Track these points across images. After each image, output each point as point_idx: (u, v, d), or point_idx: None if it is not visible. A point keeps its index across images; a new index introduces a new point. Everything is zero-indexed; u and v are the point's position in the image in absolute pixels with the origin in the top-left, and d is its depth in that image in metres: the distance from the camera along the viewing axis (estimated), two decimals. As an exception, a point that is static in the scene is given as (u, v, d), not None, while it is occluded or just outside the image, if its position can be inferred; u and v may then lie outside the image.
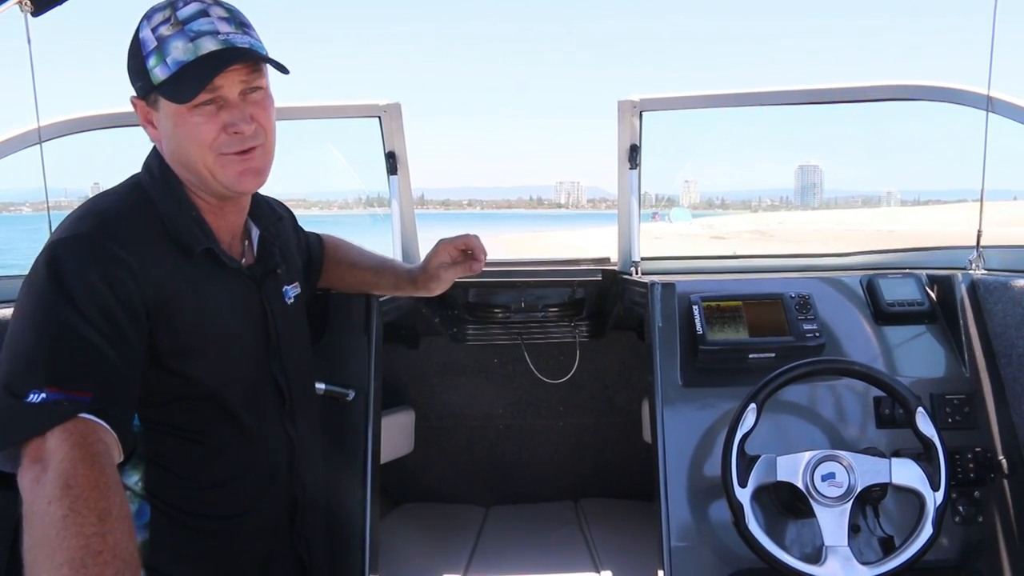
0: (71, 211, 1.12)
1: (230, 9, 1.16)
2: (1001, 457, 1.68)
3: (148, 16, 1.13)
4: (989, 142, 1.85)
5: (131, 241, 1.07)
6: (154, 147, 1.21)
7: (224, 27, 1.12)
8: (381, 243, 2.05)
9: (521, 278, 2.37)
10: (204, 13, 1.12)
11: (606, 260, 2.39)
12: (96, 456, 0.92)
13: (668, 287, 1.82)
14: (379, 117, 2.19)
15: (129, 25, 1.19)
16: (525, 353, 2.62)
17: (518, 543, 2.45)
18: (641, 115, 2.19)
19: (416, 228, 2.35)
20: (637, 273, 2.23)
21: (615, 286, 2.34)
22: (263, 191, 1.33)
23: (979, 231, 1.89)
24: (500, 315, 2.51)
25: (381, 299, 1.73)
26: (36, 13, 1.66)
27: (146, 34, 1.12)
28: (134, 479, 1.11)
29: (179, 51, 1.10)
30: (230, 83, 1.12)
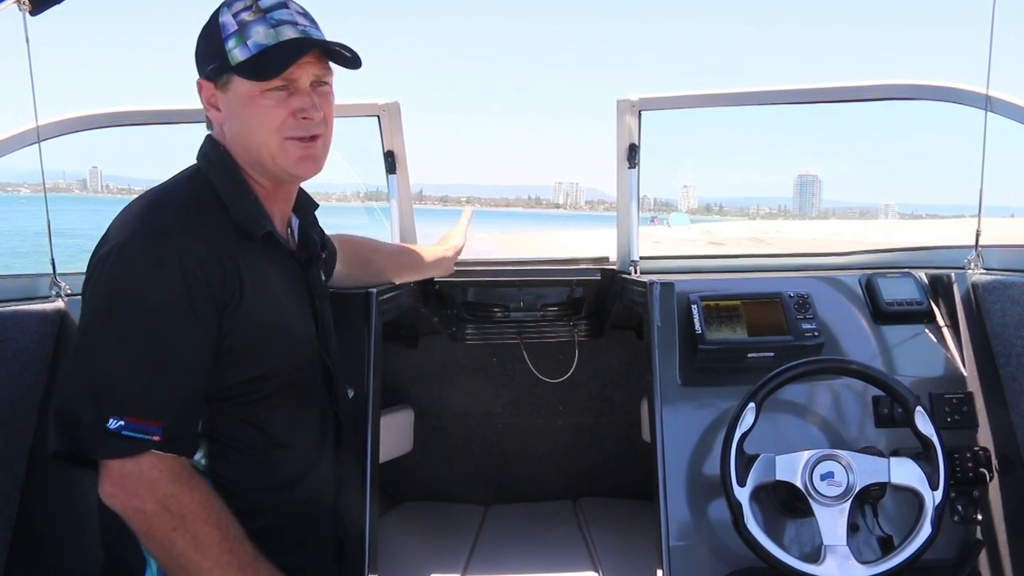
0: (133, 203, 1.15)
1: (303, 8, 1.22)
2: (999, 456, 1.68)
3: (228, 3, 1.18)
4: (988, 151, 1.84)
5: (202, 234, 1.10)
6: (208, 136, 1.24)
7: (301, 20, 1.18)
8: (379, 237, 2.05)
9: (520, 277, 2.37)
10: (284, 5, 1.17)
11: (605, 259, 2.39)
12: (179, 476, 1.04)
13: (667, 286, 1.82)
14: (378, 116, 2.19)
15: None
16: (524, 352, 2.62)
17: (517, 542, 2.45)
18: (640, 114, 2.19)
19: (415, 227, 2.35)
20: (636, 272, 2.23)
21: (614, 285, 2.34)
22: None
23: (978, 231, 1.89)
24: (499, 314, 2.51)
25: (380, 298, 1.73)
26: (34, 12, 1.66)
27: (226, 19, 1.16)
28: (196, 456, 1.15)
29: (260, 35, 1.14)
30: (304, 73, 1.17)
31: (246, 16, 1.15)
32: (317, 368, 1.29)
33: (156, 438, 1.02)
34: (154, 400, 1.03)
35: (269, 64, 1.14)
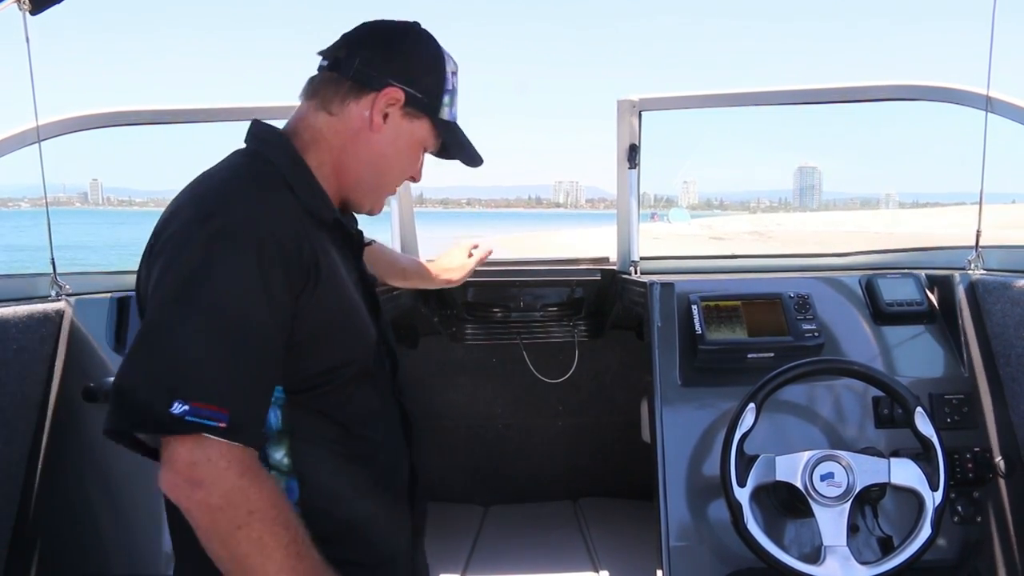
0: (199, 180, 1.09)
1: None
2: (1000, 457, 1.68)
3: (448, 57, 1.21)
4: (988, 143, 1.85)
5: (279, 214, 1.04)
6: (257, 121, 1.18)
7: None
8: (378, 238, 2.06)
9: (520, 278, 2.37)
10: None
11: (605, 260, 2.39)
12: (247, 473, 0.96)
13: (667, 287, 1.82)
14: None
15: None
16: (524, 353, 2.62)
17: (517, 543, 2.45)
18: (640, 115, 2.19)
19: (415, 230, 2.35)
20: (636, 273, 2.23)
21: (614, 286, 2.34)
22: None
23: (978, 231, 1.89)
24: (499, 315, 2.51)
25: (380, 298, 1.74)
26: (34, 12, 1.66)
27: (448, 73, 1.20)
28: (279, 455, 1.09)
29: (455, 109, 1.23)
30: None
31: (455, 83, 1.22)
32: (382, 356, 1.25)
33: (222, 425, 0.93)
34: (221, 386, 0.95)
35: (461, 143, 1.24)
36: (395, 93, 1.14)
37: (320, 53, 1.19)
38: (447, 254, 1.95)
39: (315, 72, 1.20)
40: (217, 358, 0.96)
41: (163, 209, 1.13)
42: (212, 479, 0.93)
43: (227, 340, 0.96)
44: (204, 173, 1.12)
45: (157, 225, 1.08)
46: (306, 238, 1.05)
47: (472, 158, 1.28)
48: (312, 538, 1.03)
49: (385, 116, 1.15)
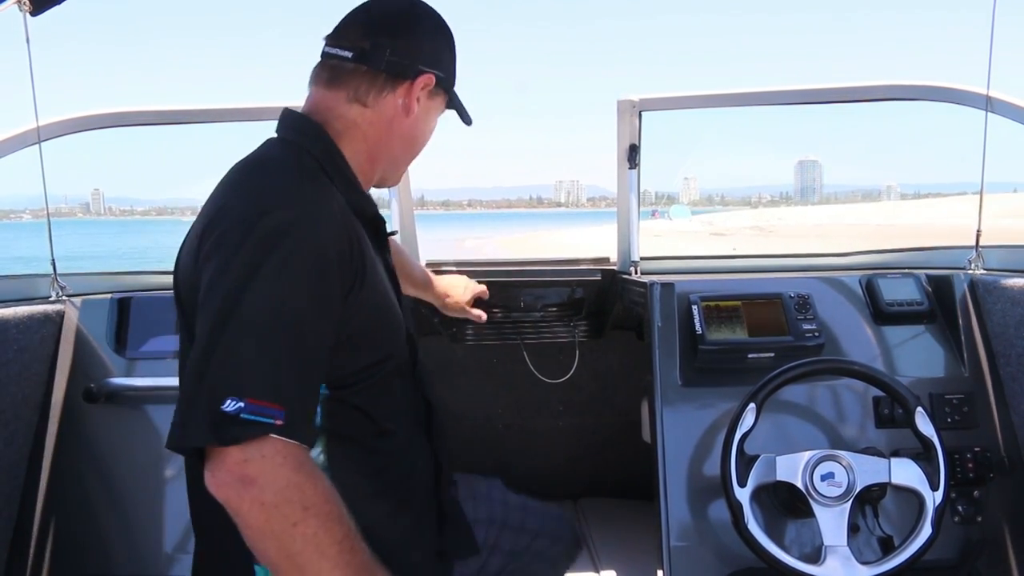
0: (242, 172, 1.08)
1: None
2: (1001, 456, 1.68)
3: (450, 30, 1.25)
4: (989, 134, 1.85)
5: (328, 209, 1.03)
6: (288, 109, 1.18)
7: None
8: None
9: (520, 278, 2.36)
10: None
11: (605, 260, 2.39)
12: (301, 469, 0.93)
13: (667, 287, 1.82)
14: None
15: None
16: (524, 353, 2.61)
17: (517, 543, 2.45)
18: (640, 115, 2.19)
19: (416, 231, 2.35)
20: (636, 273, 2.23)
21: (614, 286, 2.34)
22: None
23: (978, 231, 1.89)
24: (499, 315, 2.51)
25: None
26: (35, 12, 1.66)
27: (453, 47, 1.24)
28: (315, 452, 1.08)
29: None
30: None
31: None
32: (410, 350, 1.25)
33: (278, 422, 0.91)
34: (275, 382, 0.93)
35: (460, 104, 1.27)
36: (427, 79, 1.17)
37: (332, 42, 1.16)
38: (455, 280, 1.99)
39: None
40: (272, 357, 0.94)
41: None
42: (266, 476, 0.90)
43: (282, 339, 0.95)
44: (245, 165, 1.10)
45: (201, 222, 1.06)
46: (353, 236, 1.05)
47: (467, 117, 1.32)
48: None
49: (417, 100, 1.18)
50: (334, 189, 1.09)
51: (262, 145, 1.14)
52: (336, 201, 1.06)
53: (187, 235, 1.10)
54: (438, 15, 1.22)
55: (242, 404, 0.90)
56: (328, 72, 1.16)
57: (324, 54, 1.17)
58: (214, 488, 0.92)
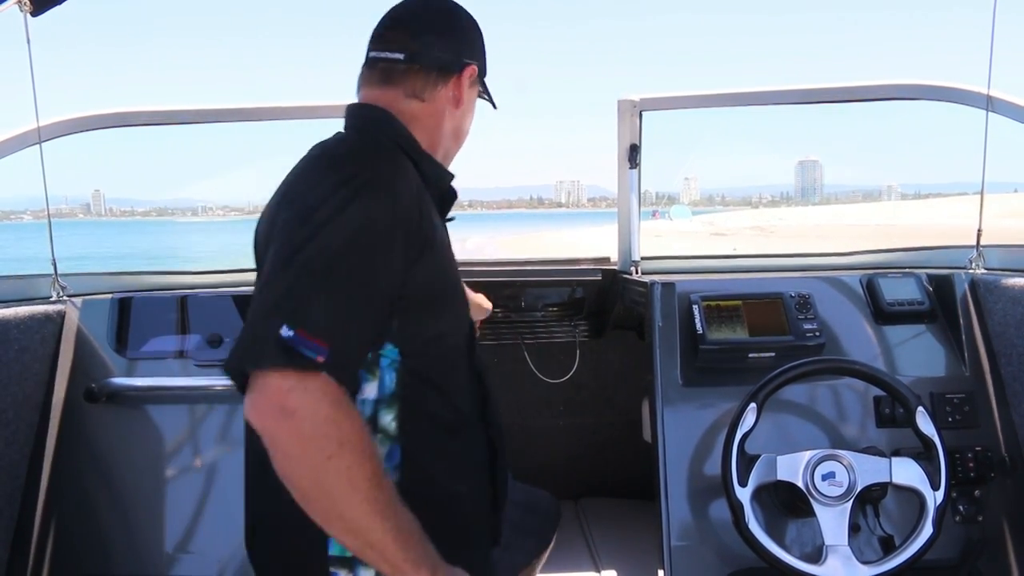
0: (327, 146, 1.15)
1: None
2: (1002, 456, 1.68)
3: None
4: (990, 134, 1.84)
5: (408, 177, 1.11)
6: (356, 105, 1.26)
7: None
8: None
9: (521, 278, 2.37)
10: None
11: (606, 260, 2.39)
12: (340, 407, 0.96)
13: (668, 286, 1.82)
14: None
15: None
16: (525, 353, 2.62)
17: (518, 542, 2.45)
18: (641, 115, 2.19)
19: None
20: (637, 272, 2.23)
21: (615, 285, 2.34)
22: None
23: (979, 230, 1.89)
24: (500, 315, 2.51)
25: None
26: (35, 13, 1.66)
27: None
28: (388, 419, 1.12)
29: None
30: None
31: None
32: (468, 332, 1.31)
33: (324, 359, 0.95)
34: (327, 322, 0.97)
35: (489, 90, 1.36)
36: (472, 70, 1.28)
37: (380, 47, 1.25)
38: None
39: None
40: (328, 296, 0.99)
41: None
42: (306, 408, 0.94)
43: (341, 284, 0.99)
44: (322, 145, 1.17)
45: (279, 192, 1.13)
46: (424, 206, 1.12)
47: (494, 103, 1.41)
48: (411, 503, 1.05)
49: (463, 90, 1.28)
50: (409, 163, 1.15)
51: (336, 135, 1.23)
52: (411, 173, 1.13)
53: (265, 208, 1.18)
54: (468, 12, 1.32)
55: (292, 334, 0.94)
56: (380, 74, 1.24)
57: (372, 59, 1.25)
58: (254, 414, 0.95)
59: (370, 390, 1.10)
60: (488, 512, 1.29)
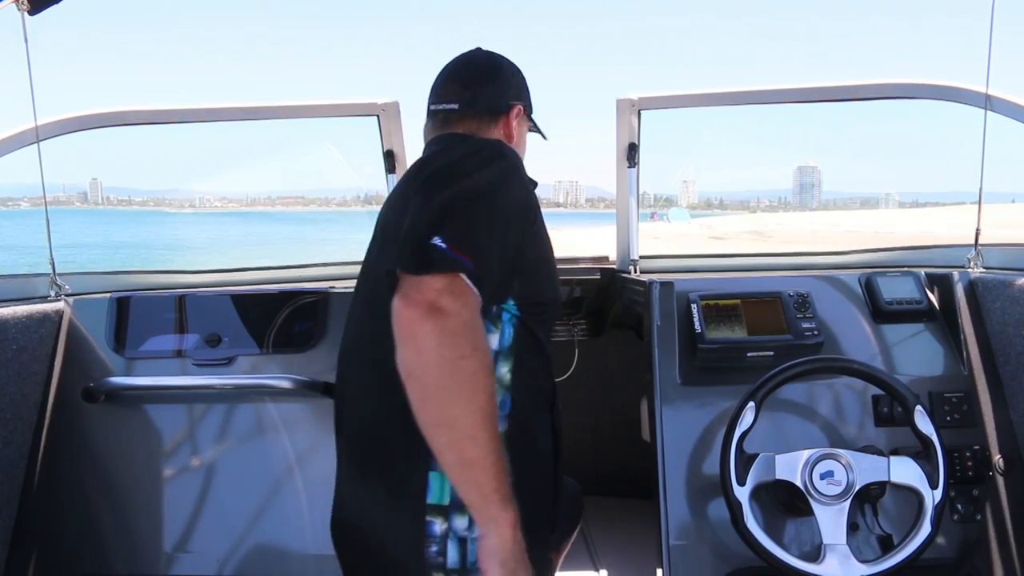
0: (465, 145, 1.30)
1: None
2: (999, 455, 1.68)
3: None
4: (988, 143, 1.85)
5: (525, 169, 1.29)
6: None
7: None
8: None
9: None
10: None
11: (604, 259, 2.39)
12: (477, 317, 1.05)
13: (667, 286, 1.82)
14: (377, 116, 2.19)
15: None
16: None
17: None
18: (640, 113, 2.19)
19: None
20: (636, 272, 2.23)
21: (614, 285, 2.34)
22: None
23: (977, 229, 1.89)
24: None
25: None
26: (33, 12, 1.66)
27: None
28: (504, 369, 1.23)
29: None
30: None
31: None
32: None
33: (470, 268, 1.04)
34: (474, 242, 1.07)
35: (536, 123, 1.55)
36: (518, 109, 1.45)
37: (438, 100, 1.44)
38: None
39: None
40: (477, 222, 1.10)
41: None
42: (455, 309, 1.01)
43: (488, 215, 1.12)
44: (448, 141, 1.37)
45: (410, 175, 1.28)
46: (532, 189, 1.27)
47: (543, 134, 1.62)
48: (516, 452, 1.15)
49: (513, 127, 1.45)
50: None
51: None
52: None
53: (389, 196, 1.35)
54: (510, 60, 1.50)
55: (445, 246, 1.04)
56: (440, 122, 1.42)
57: (433, 111, 1.43)
58: (402, 310, 1.02)
59: (492, 340, 1.21)
60: (551, 501, 1.35)
